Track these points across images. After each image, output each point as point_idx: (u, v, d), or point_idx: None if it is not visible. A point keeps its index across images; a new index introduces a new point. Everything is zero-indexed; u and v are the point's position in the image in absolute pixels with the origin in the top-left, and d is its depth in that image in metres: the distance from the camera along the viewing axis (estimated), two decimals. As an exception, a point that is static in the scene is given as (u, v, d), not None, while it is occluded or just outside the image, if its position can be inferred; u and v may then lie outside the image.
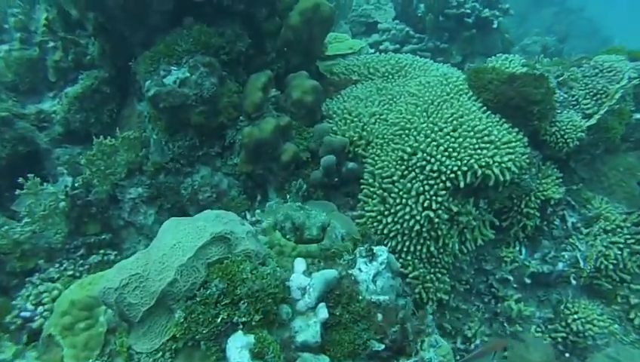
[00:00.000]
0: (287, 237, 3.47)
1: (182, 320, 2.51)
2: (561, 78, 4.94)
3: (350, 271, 3.24)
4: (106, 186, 4.54)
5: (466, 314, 4.92)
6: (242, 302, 2.57)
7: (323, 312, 2.80)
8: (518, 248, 4.97)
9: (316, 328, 2.75)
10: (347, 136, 4.82)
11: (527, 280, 4.89)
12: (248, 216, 4.77)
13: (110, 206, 4.63)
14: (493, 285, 4.96)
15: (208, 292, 2.55)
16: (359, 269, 3.53)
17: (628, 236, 4.79)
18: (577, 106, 4.84)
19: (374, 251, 3.59)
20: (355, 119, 4.92)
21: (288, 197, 4.33)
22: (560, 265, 4.84)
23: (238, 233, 2.81)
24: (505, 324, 4.81)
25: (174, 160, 4.92)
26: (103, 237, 4.50)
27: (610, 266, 4.76)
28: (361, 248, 3.67)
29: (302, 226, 3.50)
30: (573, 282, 4.81)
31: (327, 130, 4.78)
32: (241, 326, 2.57)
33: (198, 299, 2.54)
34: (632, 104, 4.89)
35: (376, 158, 4.74)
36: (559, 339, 4.71)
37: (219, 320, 2.52)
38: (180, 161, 4.94)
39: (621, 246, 4.78)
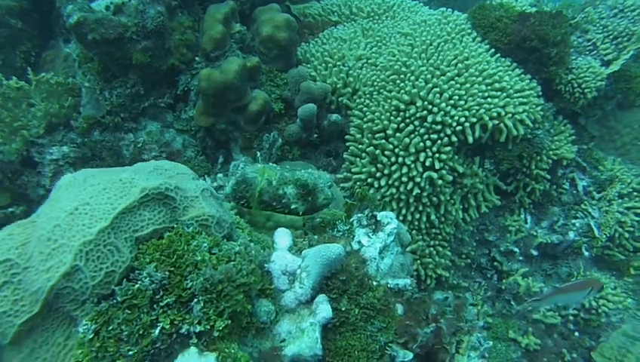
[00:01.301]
0: (294, 207, 2.31)
1: (91, 335, 1.37)
2: (574, 21, 3.99)
3: (355, 247, 2.16)
4: (15, 145, 3.22)
5: (467, 292, 3.97)
6: (196, 300, 1.46)
7: (324, 310, 1.71)
8: (523, 216, 4.05)
9: (314, 334, 1.67)
10: (329, 83, 3.70)
11: (534, 252, 3.99)
12: (208, 181, 3.60)
13: (24, 170, 3.33)
14: (496, 258, 4.03)
15: (137, 286, 1.41)
16: (358, 243, 2.46)
17: (646, 200, 3.95)
18: (595, 52, 3.91)
19: (378, 218, 2.53)
20: (339, 63, 3.79)
21: (258, 155, 3.19)
22: (571, 235, 3.96)
23: (189, 191, 1.66)
24: (512, 302, 3.90)
25: (113, 113, 3.64)
26: (11, 210, 3.20)
27: (626, 234, 3.92)
28: (360, 215, 2.60)
29: (315, 189, 2.34)
30: (586, 253, 3.94)
31: (304, 75, 3.63)
32: (194, 340, 1.46)
33: (118, 300, 1.40)
34: (651, 50, 4.03)
35: (365, 109, 3.64)
36: (570, 317, 3.85)
37: (156, 331, 1.40)
38: (120, 114, 3.66)
39: (638, 211, 3.94)
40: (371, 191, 3.48)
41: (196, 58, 3.59)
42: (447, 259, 3.79)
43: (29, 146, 3.32)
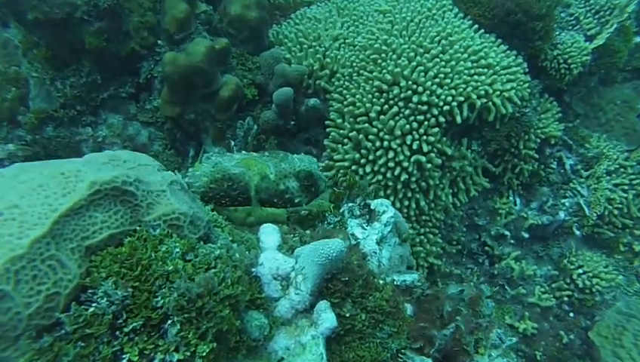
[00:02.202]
0: (298, 200, 1.98)
1: (30, 379, 1.02)
2: (555, -6, 3.79)
3: (355, 241, 1.86)
4: (-48, 143, 2.77)
5: (460, 279, 3.73)
6: (170, 321, 1.12)
7: (328, 319, 1.39)
8: (512, 198, 3.84)
9: (318, 349, 1.35)
10: (305, 65, 3.37)
11: (525, 235, 3.79)
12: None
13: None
14: (487, 243, 3.81)
15: (91, 310, 1.05)
16: (352, 235, 2.16)
17: (633, 176, 3.81)
18: (577, 27, 3.72)
19: (372, 207, 2.23)
20: (314, 44, 3.45)
21: (233, 144, 2.84)
22: (561, 215, 3.78)
23: (153, 184, 1.31)
24: (506, 287, 3.70)
25: (67, 105, 3.21)
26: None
27: (615, 211, 3.77)
28: (351, 205, 2.30)
29: (318, 180, 2.05)
30: (577, 232, 3.77)
31: (278, 58, 3.28)
32: (171, 372, 1.13)
33: (67, 330, 1.04)
34: (634, 25, 3.87)
35: (345, 92, 3.33)
36: (564, 298, 3.68)
37: (120, 366, 1.06)
38: (76, 106, 3.23)
39: (626, 188, 3.80)
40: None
41: (159, 42, 3.19)
42: (439, 247, 3.54)
43: (-33, 146, 2.87)
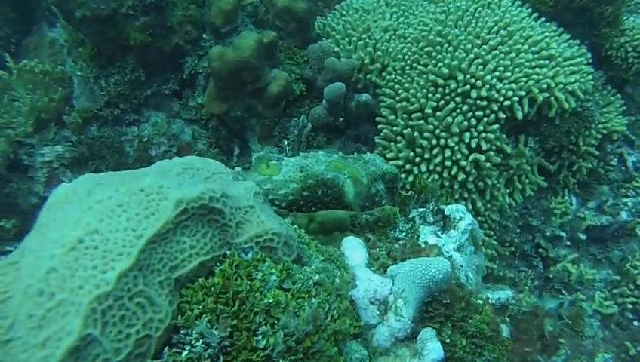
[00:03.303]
0: (384, 203, 1.82)
1: None
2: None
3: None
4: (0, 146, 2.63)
5: (513, 283, 3.49)
6: (274, 365, 0.93)
7: (434, 349, 1.18)
8: (567, 197, 3.57)
9: (424, 386, 1.17)
10: (355, 59, 3.14)
11: (582, 236, 3.52)
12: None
13: (12, 175, 2.74)
14: (541, 244, 3.56)
15: (186, 355, 0.87)
16: (425, 243, 1.95)
17: (701, 173, 3.50)
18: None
19: (446, 213, 2.01)
20: (364, 36, 3.22)
21: (285, 143, 2.64)
22: (623, 215, 3.49)
23: (240, 198, 1.12)
24: (563, 292, 3.44)
25: (111, 104, 3.06)
26: (0, 224, 2.61)
27: (682, 211, 3.46)
28: (423, 210, 2.08)
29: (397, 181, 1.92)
30: (641, 234, 3.49)
31: (327, 51, 3.06)
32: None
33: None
34: None
35: (397, 87, 3.10)
36: (628, 305, 3.41)
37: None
38: (120, 105, 3.07)
39: (694, 185, 3.49)
40: (410, 178, 2.96)
41: (203, 36, 3.00)
42: (493, 249, 3.30)
43: (15, 147, 2.72)
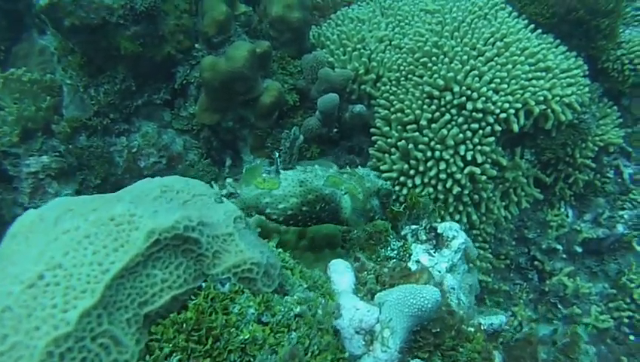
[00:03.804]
0: (377, 217, 1.82)
1: None
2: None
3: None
4: (-16, 155, 2.57)
5: (508, 296, 3.44)
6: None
7: (422, 386, 1.14)
8: (563, 209, 3.51)
9: (413, 425, 1.10)
10: (349, 69, 3.09)
11: (578, 249, 3.46)
12: (215, 188, 2.98)
13: (-3, 185, 2.68)
14: (537, 257, 3.50)
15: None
16: (417, 263, 1.89)
17: (698, 186, 3.45)
18: (642, 23, 3.37)
19: (439, 231, 1.96)
20: (359, 46, 3.17)
21: (276, 155, 2.58)
22: (619, 228, 3.44)
23: (218, 225, 1.06)
24: (559, 306, 3.38)
25: (100, 113, 3.00)
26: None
27: (679, 224, 3.41)
28: (415, 227, 2.02)
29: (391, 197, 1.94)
30: (638, 248, 3.43)
31: (322, 61, 3.01)
32: None
33: None
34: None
35: (392, 98, 3.04)
36: (624, 320, 3.35)
37: None
38: (110, 114, 3.01)
39: (691, 198, 3.44)
40: (404, 191, 2.90)
41: (196, 45, 2.95)
42: (487, 262, 3.24)
43: (0, 158, 2.66)
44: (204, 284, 0.96)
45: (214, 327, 0.89)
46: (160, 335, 0.86)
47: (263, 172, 2.13)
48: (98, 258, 0.84)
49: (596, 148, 3.30)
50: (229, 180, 2.96)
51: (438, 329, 1.25)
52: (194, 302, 0.92)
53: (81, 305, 0.78)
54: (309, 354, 0.94)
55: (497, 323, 1.48)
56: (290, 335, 0.95)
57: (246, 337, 0.90)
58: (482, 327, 1.46)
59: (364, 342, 1.18)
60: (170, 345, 0.85)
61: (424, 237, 1.91)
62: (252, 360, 0.88)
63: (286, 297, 1.05)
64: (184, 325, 0.88)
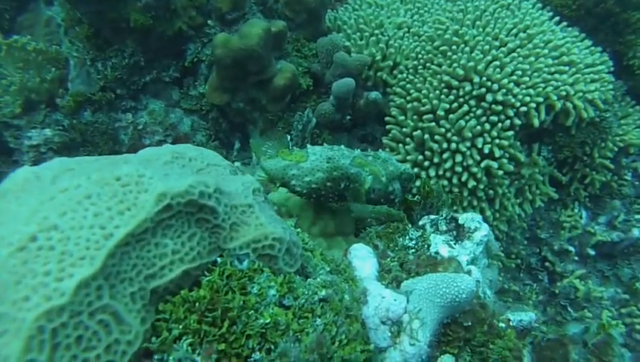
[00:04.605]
0: (397, 201, 1.76)
1: None
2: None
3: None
4: (-16, 124, 2.44)
5: (517, 297, 3.32)
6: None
7: (453, 384, 1.03)
8: (577, 210, 3.39)
9: None
10: (366, 55, 2.96)
11: (591, 252, 3.34)
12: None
13: (-3, 156, 2.55)
14: (548, 258, 3.38)
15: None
16: (436, 253, 1.77)
17: None
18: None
19: (461, 222, 1.83)
20: (376, 32, 3.04)
21: (287, 139, 2.46)
22: (635, 232, 3.32)
23: (236, 195, 0.94)
24: (569, 309, 3.26)
25: (107, 88, 2.87)
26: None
27: (696, 231, 3.29)
28: (435, 217, 1.90)
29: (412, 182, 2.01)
30: (652, 252, 3.31)
31: (338, 45, 2.88)
32: None
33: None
34: None
35: (409, 86, 2.91)
36: (636, 326, 3.23)
37: None
38: (116, 90, 2.88)
39: None
40: (417, 183, 2.78)
41: (208, 22, 2.82)
42: (498, 261, 3.12)
43: (1, 128, 2.53)
44: (219, 260, 0.84)
45: (231, 308, 0.76)
46: (169, 315, 0.74)
47: (285, 146, 2.04)
48: (100, 221, 0.72)
49: (616, 149, 3.17)
50: (237, 163, 2.84)
51: (470, 323, 1.13)
52: (208, 278, 0.80)
53: (78, 273, 0.66)
54: (337, 344, 0.82)
55: (527, 320, 1.36)
56: (315, 322, 0.83)
57: (267, 321, 0.78)
58: (511, 323, 1.34)
59: (390, 334, 1.05)
60: (181, 327, 0.73)
61: (444, 228, 1.78)
62: (273, 347, 0.75)
63: (309, 280, 0.93)
64: (197, 304, 0.75)
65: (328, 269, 1.03)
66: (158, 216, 0.78)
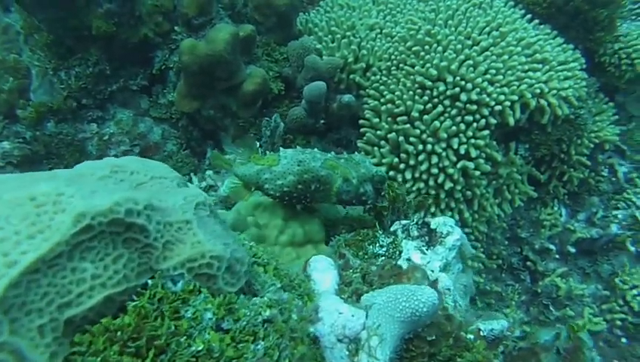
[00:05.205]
0: (370, 202, 1.78)
1: None
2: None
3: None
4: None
5: (500, 297, 3.28)
6: None
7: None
8: (557, 208, 3.37)
9: None
10: (338, 57, 2.90)
11: (572, 249, 3.32)
12: (195, 181, 2.78)
13: (-46, 172, 2.44)
14: (529, 257, 3.35)
15: None
16: (408, 260, 1.71)
17: (694, 185, 3.33)
18: None
19: (433, 227, 1.78)
20: (348, 33, 2.98)
21: (258, 145, 2.39)
22: (613, 228, 3.31)
23: (174, 210, 0.87)
24: (550, 307, 3.23)
25: (71, 98, 2.78)
26: None
27: (674, 224, 3.29)
28: (406, 222, 1.84)
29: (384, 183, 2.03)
30: (631, 248, 3.29)
31: (309, 48, 2.82)
32: None
33: None
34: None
35: (382, 88, 2.86)
36: (617, 322, 3.21)
37: None
38: (82, 100, 2.79)
39: (686, 198, 3.32)
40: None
41: (175, 28, 2.74)
42: (479, 262, 3.09)
43: (-43, 143, 2.42)
44: (150, 282, 0.77)
45: (158, 336, 0.69)
46: (86, 347, 0.67)
47: (255, 152, 2.00)
48: (4, 247, 0.64)
49: (592, 145, 3.16)
50: (209, 172, 2.76)
51: (434, 337, 1.07)
52: (134, 303, 0.72)
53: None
54: (279, 370, 0.75)
55: (498, 329, 1.30)
56: (255, 346, 0.76)
57: (199, 348, 0.71)
58: (482, 333, 1.28)
59: (347, 352, 0.99)
60: (99, 360, 0.65)
61: (416, 233, 1.73)
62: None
63: (254, 299, 0.86)
64: (119, 333, 0.68)
65: (279, 286, 0.96)
66: (76, 239, 0.70)
